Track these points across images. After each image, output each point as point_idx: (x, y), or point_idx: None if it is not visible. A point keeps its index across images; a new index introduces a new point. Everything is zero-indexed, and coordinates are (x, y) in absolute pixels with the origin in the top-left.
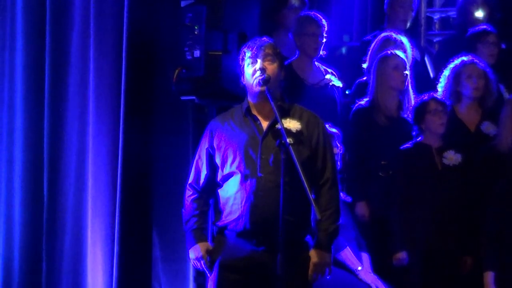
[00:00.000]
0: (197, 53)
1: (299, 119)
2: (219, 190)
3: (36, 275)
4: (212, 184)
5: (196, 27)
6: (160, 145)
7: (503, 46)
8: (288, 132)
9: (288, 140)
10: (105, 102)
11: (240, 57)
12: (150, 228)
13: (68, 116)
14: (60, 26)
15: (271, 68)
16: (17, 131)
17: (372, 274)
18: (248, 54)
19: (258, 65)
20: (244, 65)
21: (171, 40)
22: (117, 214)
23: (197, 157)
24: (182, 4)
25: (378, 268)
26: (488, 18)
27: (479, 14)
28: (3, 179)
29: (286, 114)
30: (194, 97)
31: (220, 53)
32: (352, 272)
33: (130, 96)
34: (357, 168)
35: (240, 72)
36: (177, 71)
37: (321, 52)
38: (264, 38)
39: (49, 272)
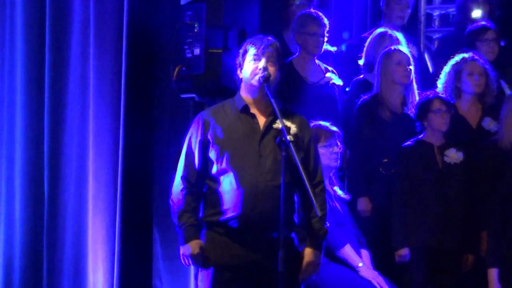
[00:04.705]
0: (197, 51)
1: (292, 121)
2: (213, 186)
3: (37, 273)
4: (204, 178)
5: (196, 25)
6: (160, 142)
7: (503, 43)
8: (288, 130)
9: (288, 137)
10: (106, 99)
11: (241, 51)
12: (151, 226)
13: (69, 113)
14: (60, 24)
15: (272, 70)
16: (17, 129)
17: (373, 270)
18: (252, 50)
19: (261, 64)
20: (245, 59)
21: (171, 38)
22: (118, 212)
23: (186, 149)
24: (182, 2)
25: (379, 265)
26: (488, 15)
27: (479, 11)
28: (3, 177)
29: (282, 115)
30: (194, 95)
31: (220, 50)
32: (353, 269)
33: (130, 94)
34: (360, 163)
35: (237, 65)
36: (177, 69)
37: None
38: (270, 38)
39: (50, 270)
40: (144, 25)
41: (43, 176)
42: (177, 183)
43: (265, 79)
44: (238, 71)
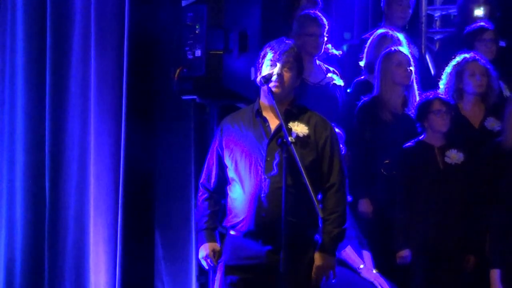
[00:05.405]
0: (198, 53)
1: (307, 123)
2: (228, 191)
3: (39, 276)
4: (223, 184)
5: (197, 26)
6: (161, 144)
7: (503, 44)
8: (289, 131)
9: (290, 139)
10: (107, 102)
11: (262, 54)
12: (152, 227)
13: (70, 116)
14: (60, 26)
15: (287, 75)
16: (18, 131)
17: (374, 271)
18: (270, 55)
19: (276, 69)
20: (262, 64)
21: (172, 40)
22: (119, 214)
23: (209, 156)
24: (183, 3)
25: (381, 266)
26: (489, 16)
27: (480, 12)
28: (5, 180)
29: (294, 118)
30: (195, 97)
31: (221, 52)
32: (354, 271)
33: (132, 96)
34: (361, 165)
35: (256, 69)
36: (178, 70)
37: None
38: (289, 42)
39: (52, 273)
40: (145, 27)
41: (45, 178)
42: (199, 190)
43: (265, 79)
44: (258, 74)
